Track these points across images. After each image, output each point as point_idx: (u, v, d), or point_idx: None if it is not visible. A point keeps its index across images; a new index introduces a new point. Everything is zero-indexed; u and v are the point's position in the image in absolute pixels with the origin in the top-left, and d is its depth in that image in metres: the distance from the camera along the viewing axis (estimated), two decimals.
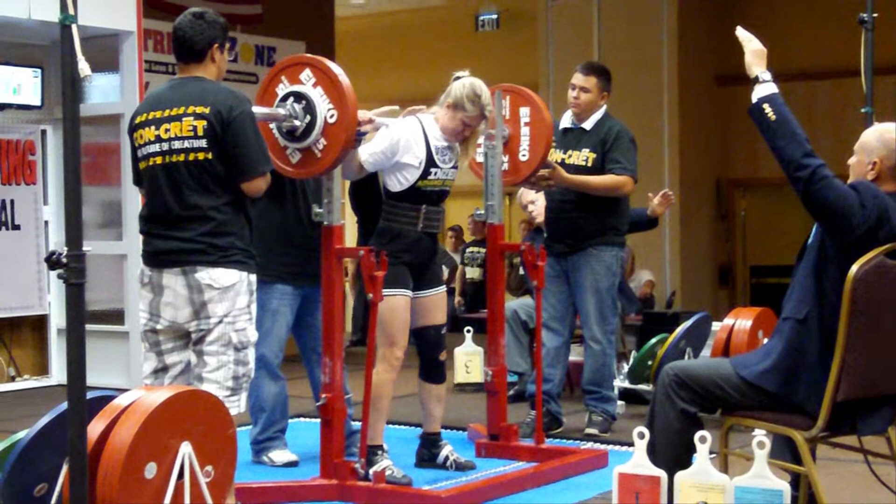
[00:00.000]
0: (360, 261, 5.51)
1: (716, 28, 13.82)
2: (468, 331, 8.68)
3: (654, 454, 4.54)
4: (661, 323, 8.73)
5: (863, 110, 6.58)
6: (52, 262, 3.59)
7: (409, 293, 5.96)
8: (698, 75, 14.00)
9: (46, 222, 9.61)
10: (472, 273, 14.08)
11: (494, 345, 6.74)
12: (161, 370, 5.03)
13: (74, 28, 3.59)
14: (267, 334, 6.30)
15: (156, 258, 5.00)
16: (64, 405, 3.75)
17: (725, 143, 14.52)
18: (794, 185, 4.47)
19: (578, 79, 7.34)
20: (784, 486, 4.28)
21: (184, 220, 4.92)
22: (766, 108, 4.51)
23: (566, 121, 7.38)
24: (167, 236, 4.95)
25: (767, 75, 4.59)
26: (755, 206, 15.14)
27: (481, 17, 17.17)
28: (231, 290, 4.92)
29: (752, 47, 4.67)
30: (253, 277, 5.03)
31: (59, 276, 3.60)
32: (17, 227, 9.41)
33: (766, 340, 6.42)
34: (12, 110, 9.42)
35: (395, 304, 5.87)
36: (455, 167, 6.16)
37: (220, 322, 4.90)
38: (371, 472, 5.68)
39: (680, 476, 4.40)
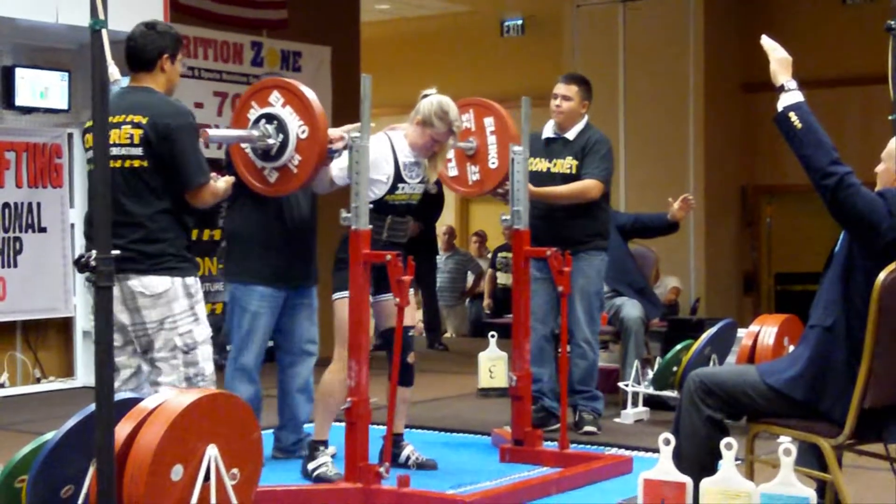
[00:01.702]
0: (387, 265, 5.56)
1: (742, 35, 13.80)
2: (492, 335, 8.68)
3: (679, 460, 4.53)
4: (686, 329, 8.71)
5: (890, 118, 6.53)
6: (82, 265, 3.62)
7: (369, 297, 5.94)
8: (724, 82, 13.97)
9: (73, 225, 9.63)
10: (506, 279, 14.04)
11: (519, 350, 6.75)
12: (115, 371, 5.14)
13: (104, 33, 3.61)
14: (246, 337, 6.39)
15: None
16: (91, 407, 3.77)
17: (751, 151, 14.48)
18: (821, 193, 4.46)
19: (560, 88, 7.51)
20: (810, 493, 4.27)
21: (117, 226, 4.96)
22: (793, 116, 4.51)
23: (549, 130, 7.55)
24: None
25: (793, 84, 4.58)
26: (781, 213, 15.09)
27: (506, 23, 17.18)
28: (163, 297, 5.11)
29: (777, 56, 4.67)
30: (190, 280, 5.21)
31: (88, 280, 3.64)
32: (43, 230, 9.44)
33: (791, 348, 6.42)
34: (39, 114, 9.45)
35: None
36: (422, 182, 6.27)
37: (161, 329, 5.10)
38: (308, 467, 5.99)
39: (705, 483, 4.39)
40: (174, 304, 5.13)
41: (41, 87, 9.31)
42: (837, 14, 14.15)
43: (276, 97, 5.68)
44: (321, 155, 5.65)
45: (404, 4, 16.72)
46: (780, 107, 4.56)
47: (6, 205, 9.24)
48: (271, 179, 5.74)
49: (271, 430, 6.67)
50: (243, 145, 5.76)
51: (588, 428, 7.36)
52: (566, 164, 7.40)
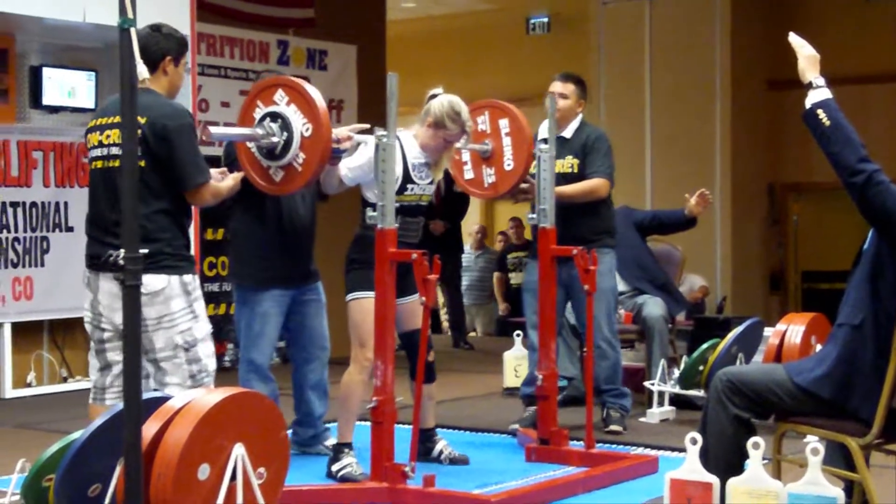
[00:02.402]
0: (414, 264, 5.56)
1: (768, 32, 13.75)
2: (518, 335, 8.67)
3: (706, 460, 4.52)
4: (713, 328, 8.67)
5: None
6: (110, 264, 3.64)
7: (395, 297, 5.91)
8: (751, 80, 13.93)
9: None
10: (518, 279, 14.03)
11: (545, 349, 6.74)
12: (105, 367, 5.31)
13: (133, 32, 3.62)
14: (257, 337, 6.44)
15: (92, 262, 5.29)
16: (118, 406, 3.78)
17: (778, 148, 14.43)
18: (850, 190, 4.44)
19: (557, 86, 7.48)
20: (838, 493, 4.26)
21: (116, 225, 5.12)
22: (821, 113, 4.49)
23: (544, 131, 7.40)
24: (102, 241, 5.19)
25: (821, 81, 4.56)
26: (808, 210, 15.04)
27: (532, 21, 17.18)
28: (160, 295, 5.15)
29: (805, 53, 4.65)
30: (188, 278, 5.26)
31: (116, 278, 3.65)
32: (70, 230, 9.47)
33: (819, 347, 6.40)
34: (66, 113, 9.48)
35: (367, 307, 5.98)
36: (432, 182, 6.28)
37: (159, 328, 5.16)
38: (333, 468, 6.02)
39: (732, 482, 4.38)
40: (171, 302, 5.18)
41: (68, 87, 9.35)
42: (863, 11, 14.09)
43: (280, 95, 5.69)
44: (325, 153, 5.65)
45: (430, 2, 16.73)
46: (808, 104, 4.54)
47: (33, 204, 9.29)
48: (276, 178, 5.75)
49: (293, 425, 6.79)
50: (249, 144, 5.77)
51: (613, 427, 7.36)
52: (566, 163, 7.37)
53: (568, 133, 7.44)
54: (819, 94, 4.53)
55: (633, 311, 8.45)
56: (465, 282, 14.38)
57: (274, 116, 5.65)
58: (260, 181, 5.79)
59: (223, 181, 5.52)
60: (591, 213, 7.37)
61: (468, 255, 14.53)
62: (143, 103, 5.18)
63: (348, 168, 6.05)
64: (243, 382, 6.40)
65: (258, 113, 5.73)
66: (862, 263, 4.60)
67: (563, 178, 7.30)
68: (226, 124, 9.37)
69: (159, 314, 5.16)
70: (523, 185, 7.06)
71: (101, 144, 5.28)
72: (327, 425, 6.72)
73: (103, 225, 5.23)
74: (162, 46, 5.34)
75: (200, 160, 5.29)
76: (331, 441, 6.58)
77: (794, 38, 4.71)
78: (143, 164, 5.14)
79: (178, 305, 5.20)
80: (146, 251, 5.01)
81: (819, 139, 4.49)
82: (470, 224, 13.67)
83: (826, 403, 4.53)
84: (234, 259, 6.62)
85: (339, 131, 5.92)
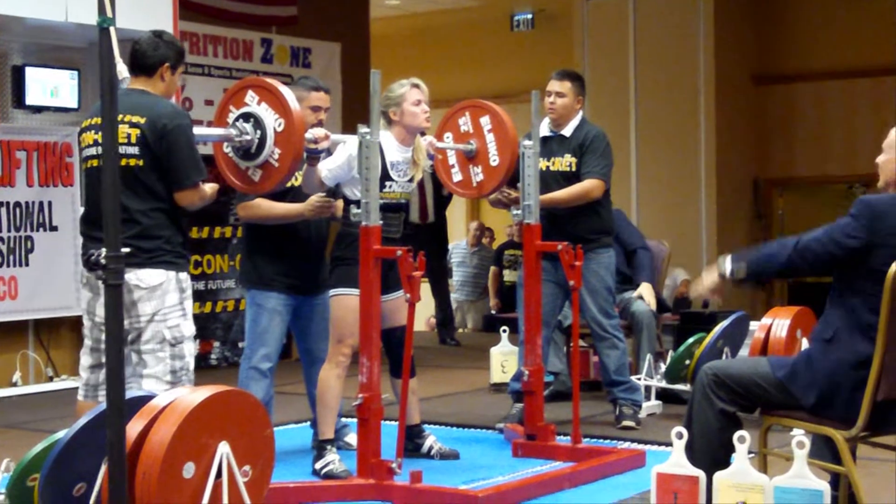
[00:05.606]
0: (398, 261, 5.56)
1: (753, 27, 13.76)
2: (504, 330, 8.66)
3: (692, 454, 4.52)
4: (699, 322, 8.68)
5: None
6: (91, 263, 3.64)
7: (379, 293, 5.94)
8: (735, 74, 13.94)
9: None
10: (513, 276, 14.04)
11: (531, 344, 6.74)
12: (97, 366, 5.33)
13: (112, 31, 3.61)
14: (262, 333, 6.45)
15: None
16: (102, 405, 3.77)
17: (762, 143, 14.45)
18: (802, 272, 4.73)
19: (553, 85, 7.43)
20: (824, 486, 4.26)
21: None
22: (752, 267, 4.75)
23: (544, 129, 7.42)
24: (96, 239, 5.15)
25: (728, 264, 4.78)
26: (793, 205, 15.06)
27: (516, 18, 17.17)
28: (158, 290, 5.23)
29: (706, 285, 4.90)
30: (183, 275, 5.34)
31: (98, 277, 3.65)
32: (54, 229, 9.46)
33: (804, 341, 6.42)
34: (50, 112, 9.46)
35: (348, 303, 6.01)
36: (411, 181, 6.31)
37: (151, 321, 5.21)
38: (316, 466, 6.03)
39: (719, 476, 4.38)
40: (167, 297, 5.23)
41: (51, 86, 9.33)
42: (848, 5, 14.10)
43: (251, 96, 5.70)
44: (299, 145, 5.65)
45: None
46: (741, 275, 4.76)
47: (17, 204, 9.27)
48: (255, 178, 5.75)
49: (307, 423, 6.89)
50: (225, 149, 5.78)
51: (627, 423, 7.28)
52: (565, 161, 7.33)
53: (567, 131, 7.39)
54: (739, 266, 4.76)
55: (620, 305, 8.44)
56: (459, 277, 14.43)
57: (246, 117, 5.66)
58: (239, 183, 5.79)
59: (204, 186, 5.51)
60: (590, 213, 7.33)
61: (463, 250, 14.55)
62: (142, 103, 5.26)
63: (328, 168, 6.05)
64: (243, 378, 6.42)
65: (231, 117, 5.74)
66: (834, 280, 4.64)
67: (561, 177, 7.29)
68: (209, 123, 9.32)
69: (155, 309, 5.21)
70: (513, 194, 7.02)
71: (95, 143, 5.30)
72: (345, 421, 6.74)
73: (98, 222, 5.21)
74: (161, 52, 5.41)
75: (199, 159, 5.34)
76: (351, 437, 6.62)
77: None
78: (140, 162, 5.21)
79: (171, 301, 5.25)
80: (146, 247, 5.09)
81: (770, 276, 4.66)
82: (468, 220, 13.67)
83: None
84: (245, 266, 6.62)
85: (316, 131, 5.93)
